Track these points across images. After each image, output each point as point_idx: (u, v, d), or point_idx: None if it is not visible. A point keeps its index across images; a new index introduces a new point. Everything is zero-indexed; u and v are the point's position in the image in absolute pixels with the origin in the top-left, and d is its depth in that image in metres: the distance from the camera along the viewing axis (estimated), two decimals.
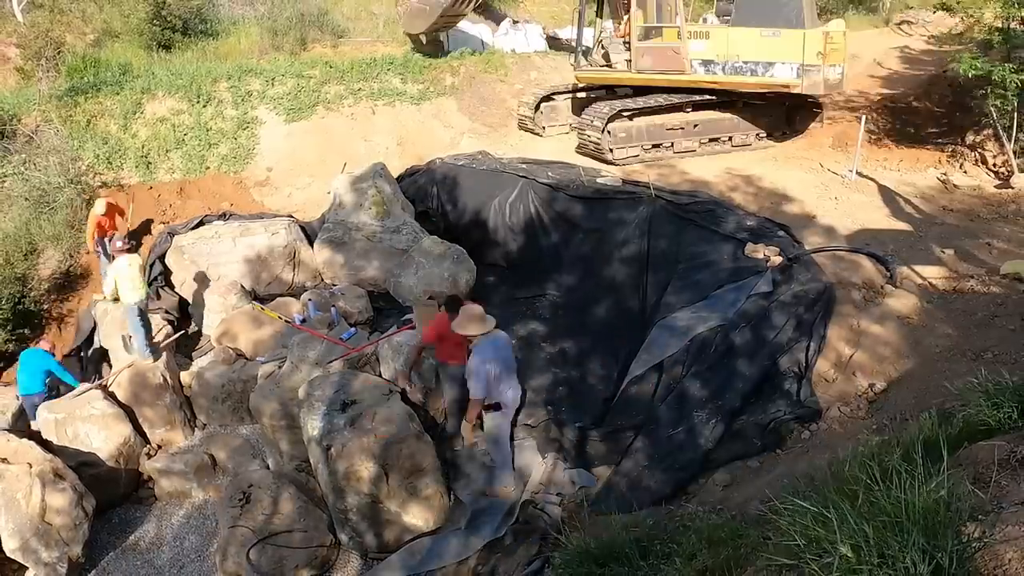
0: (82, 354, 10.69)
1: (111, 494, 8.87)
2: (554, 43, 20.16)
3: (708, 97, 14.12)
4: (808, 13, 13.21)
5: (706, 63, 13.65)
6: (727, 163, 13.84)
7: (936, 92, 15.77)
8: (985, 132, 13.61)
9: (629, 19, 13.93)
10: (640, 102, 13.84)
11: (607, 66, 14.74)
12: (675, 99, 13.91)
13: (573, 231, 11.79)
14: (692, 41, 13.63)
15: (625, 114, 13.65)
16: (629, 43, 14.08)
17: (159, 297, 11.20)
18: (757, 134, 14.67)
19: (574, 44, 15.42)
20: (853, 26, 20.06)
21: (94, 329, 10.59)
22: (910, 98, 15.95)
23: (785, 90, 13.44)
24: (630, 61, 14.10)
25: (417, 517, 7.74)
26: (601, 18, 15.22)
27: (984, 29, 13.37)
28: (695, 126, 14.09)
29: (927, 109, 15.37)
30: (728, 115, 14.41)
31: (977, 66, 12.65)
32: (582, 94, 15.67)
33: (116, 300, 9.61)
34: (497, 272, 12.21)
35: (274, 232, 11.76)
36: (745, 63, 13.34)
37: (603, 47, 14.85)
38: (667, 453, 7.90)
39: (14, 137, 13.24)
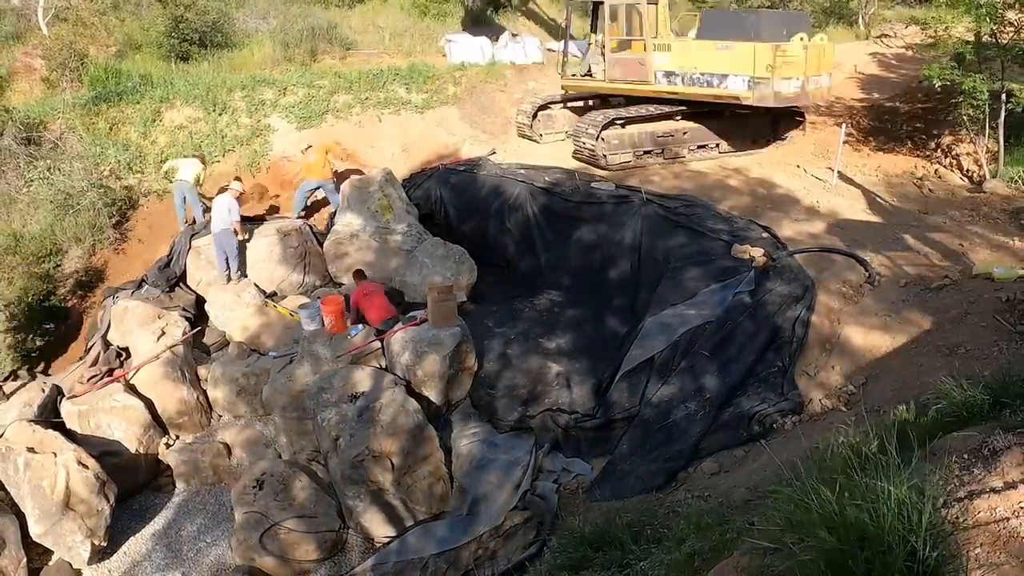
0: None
1: (132, 482, 8.87)
2: (551, 55, 20.14)
3: (698, 107, 14.10)
4: (768, 27, 12.94)
5: (668, 74, 13.70)
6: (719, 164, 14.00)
7: (912, 100, 15.77)
8: (959, 138, 13.62)
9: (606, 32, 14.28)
10: (632, 111, 13.83)
11: (588, 75, 15.05)
12: (665, 109, 13.90)
13: (569, 233, 11.79)
14: (656, 53, 13.73)
15: (618, 122, 13.64)
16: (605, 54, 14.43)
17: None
18: (743, 141, 14.65)
19: (560, 55, 15.60)
20: (834, 38, 20.04)
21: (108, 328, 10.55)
22: (888, 106, 15.95)
23: (735, 101, 13.20)
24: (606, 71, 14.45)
25: (420, 504, 7.75)
26: (595, 32, 15.28)
27: (957, 42, 13.35)
28: (684, 133, 14.09)
29: (904, 116, 15.36)
30: (716, 123, 14.40)
31: (945, 77, 12.66)
32: (580, 103, 15.64)
33: None
34: (497, 272, 12.21)
35: (286, 234, 11.76)
36: (702, 75, 13.28)
37: (588, 58, 15.11)
38: (658, 443, 7.91)
39: (40, 144, 13.21)
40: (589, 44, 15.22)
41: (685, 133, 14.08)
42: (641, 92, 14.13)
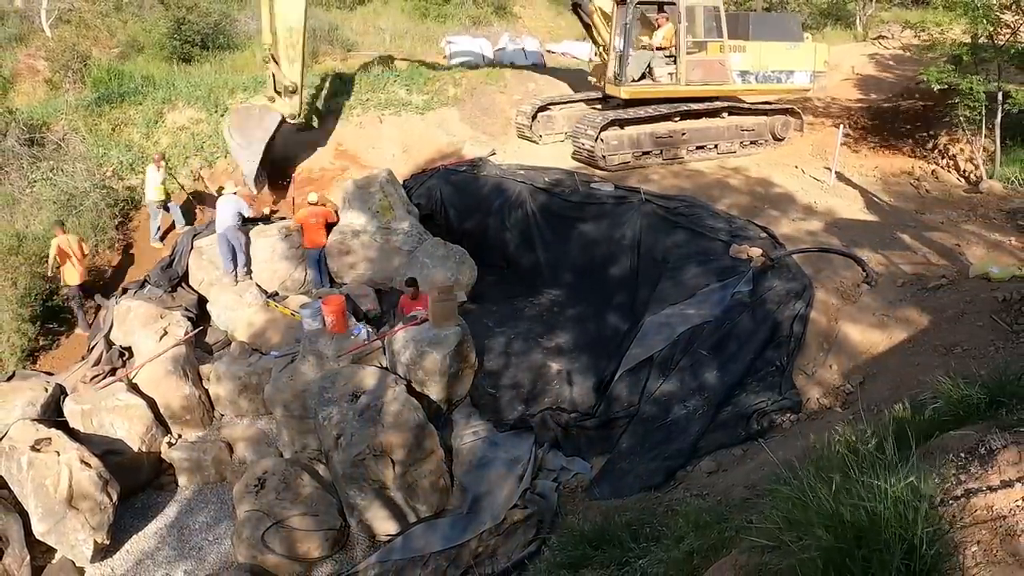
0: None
1: (134, 480, 8.87)
2: (550, 57, 20.12)
3: (696, 107, 14.08)
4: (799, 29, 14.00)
5: (743, 74, 14.06)
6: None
7: (909, 101, 15.78)
8: (956, 139, 13.62)
9: (665, 33, 13.72)
10: (631, 112, 13.81)
11: (643, 80, 13.97)
12: (664, 109, 13.87)
13: (568, 233, 11.78)
14: (732, 54, 13.84)
15: (617, 123, 13.62)
16: (674, 57, 13.66)
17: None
18: (741, 142, 14.65)
19: (603, 60, 14.80)
20: (832, 40, 20.05)
21: (111, 327, 10.56)
22: (885, 106, 15.95)
23: (802, 94, 15.11)
24: (673, 74, 13.79)
25: (421, 502, 7.75)
26: (627, 34, 14.53)
27: (953, 44, 13.35)
28: (683, 134, 14.07)
29: (901, 117, 15.37)
30: (714, 124, 14.39)
31: (943, 79, 12.67)
32: (581, 104, 15.60)
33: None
34: (497, 272, 12.20)
35: (287, 234, 11.76)
36: (772, 72, 14.38)
37: (638, 62, 14.01)
38: (657, 442, 7.91)
39: (43, 145, 13.22)
40: (637, 47, 14.01)
41: (684, 134, 14.07)
42: (720, 93, 14.23)
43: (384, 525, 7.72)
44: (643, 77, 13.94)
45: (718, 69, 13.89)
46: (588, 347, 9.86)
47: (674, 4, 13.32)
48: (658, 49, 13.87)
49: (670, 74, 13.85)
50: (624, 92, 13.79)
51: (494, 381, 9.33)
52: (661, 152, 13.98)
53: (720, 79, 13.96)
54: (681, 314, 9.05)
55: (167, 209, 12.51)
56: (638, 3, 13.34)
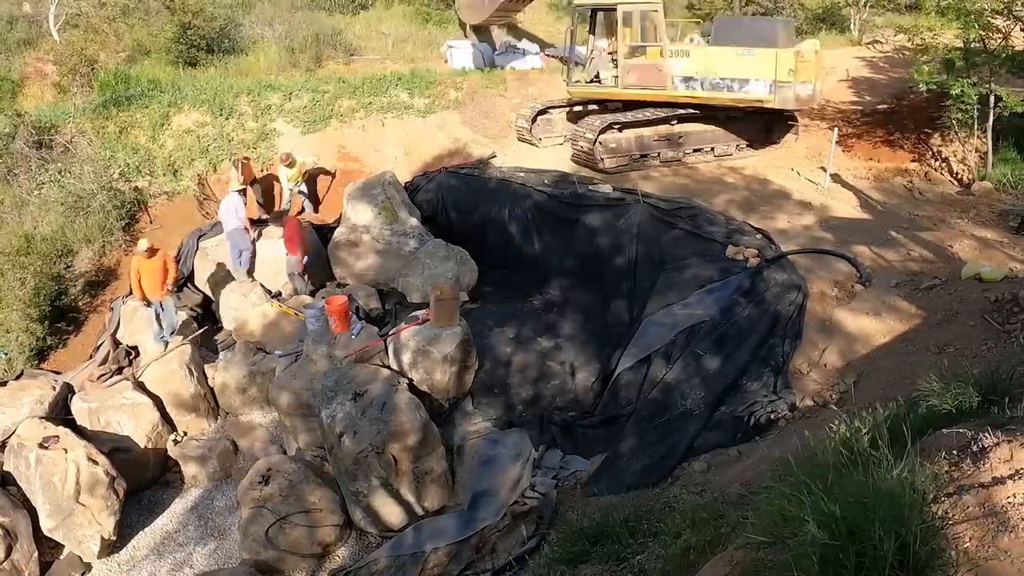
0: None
1: (141, 477, 8.88)
2: (550, 61, 20.10)
3: (692, 111, 14.09)
4: (783, 33, 13.24)
5: (687, 79, 13.54)
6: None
7: (903, 105, 15.76)
8: (949, 141, 13.61)
9: (617, 38, 13.86)
10: (629, 116, 13.82)
11: (595, 81, 14.51)
12: (661, 113, 13.88)
13: (567, 234, 11.77)
14: (674, 59, 13.56)
15: (615, 126, 13.63)
16: (616, 60, 13.95)
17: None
18: (737, 145, 14.65)
19: (564, 60, 15.26)
20: (828, 44, 20.04)
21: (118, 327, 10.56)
22: (879, 109, 15.93)
23: (757, 105, 13.24)
24: (617, 77, 13.98)
25: (423, 498, 7.74)
26: (594, 36, 14.94)
27: (945, 48, 13.35)
28: (680, 137, 14.07)
29: (895, 119, 15.35)
30: (710, 127, 14.38)
31: (933, 81, 12.68)
32: (578, 107, 15.61)
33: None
34: (497, 272, 12.18)
35: None
36: (722, 79, 13.21)
37: (594, 64, 14.60)
38: (654, 440, 7.90)
39: (51, 147, 13.21)
40: (591, 50, 14.67)
41: (680, 137, 14.07)
42: (658, 98, 13.90)
43: (386, 522, 7.72)
44: (593, 80, 14.41)
45: (655, 73, 13.63)
46: (587, 346, 9.85)
47: (614, 9, 13.52)
48: (608, 53, 14.19)
49: (614, 77, 14.00)
50: (568, 92, 14.60)
51: (495, 379, 9.33)
52: (658, 155, 14.00)
53: (657, 83, 13.64)
54: (678, 314, 9.05)
55: (301, 194, 13.40)
56: (577, 7, 14.35)
